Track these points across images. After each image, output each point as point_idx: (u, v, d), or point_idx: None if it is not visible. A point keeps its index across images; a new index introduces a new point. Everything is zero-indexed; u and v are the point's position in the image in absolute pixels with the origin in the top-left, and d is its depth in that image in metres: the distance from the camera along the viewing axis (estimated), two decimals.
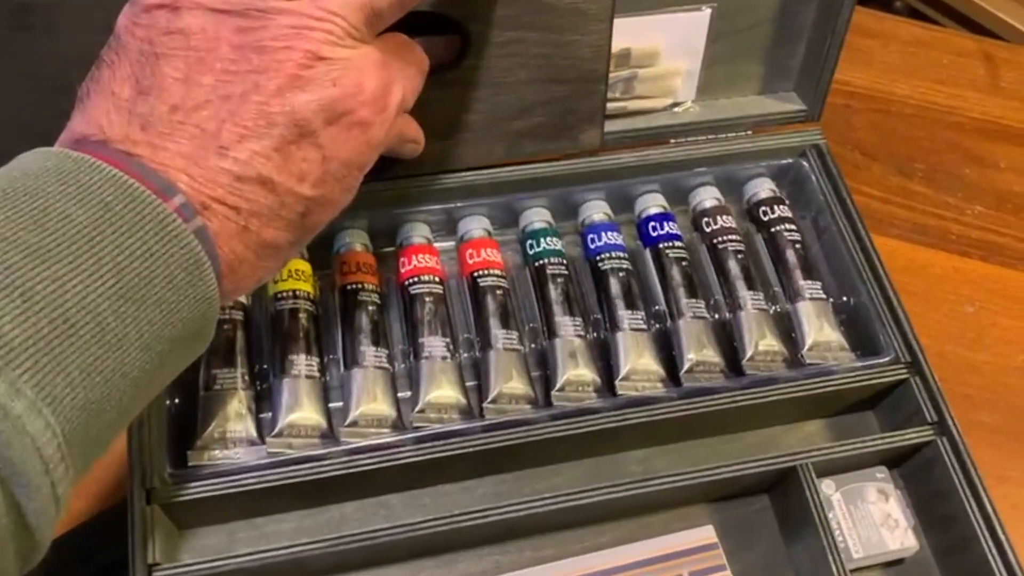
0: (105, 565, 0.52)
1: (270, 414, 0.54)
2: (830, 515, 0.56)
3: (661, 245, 0.62)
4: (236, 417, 0.53)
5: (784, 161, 0.66)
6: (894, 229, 0.98)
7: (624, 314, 0.58)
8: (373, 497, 0.56)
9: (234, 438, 0.53)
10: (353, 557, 0.52)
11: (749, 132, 0.66)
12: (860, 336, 0.61)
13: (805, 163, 0.66)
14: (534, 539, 0.56)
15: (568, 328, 0.58)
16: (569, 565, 0.54)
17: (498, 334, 0.57)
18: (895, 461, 0.59)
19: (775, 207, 0.64)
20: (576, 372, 0.56)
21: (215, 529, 0.54)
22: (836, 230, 0.63)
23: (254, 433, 0.53)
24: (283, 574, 0.52)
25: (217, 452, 0.53)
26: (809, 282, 0.61)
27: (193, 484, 0.51)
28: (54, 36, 0.49)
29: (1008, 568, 0.52)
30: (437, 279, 0.59)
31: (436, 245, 0.62)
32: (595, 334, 0.59)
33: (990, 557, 0.53)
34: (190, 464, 0.52)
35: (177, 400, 0.54)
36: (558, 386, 0.56)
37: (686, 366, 0.57)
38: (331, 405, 0.56)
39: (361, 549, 0.51)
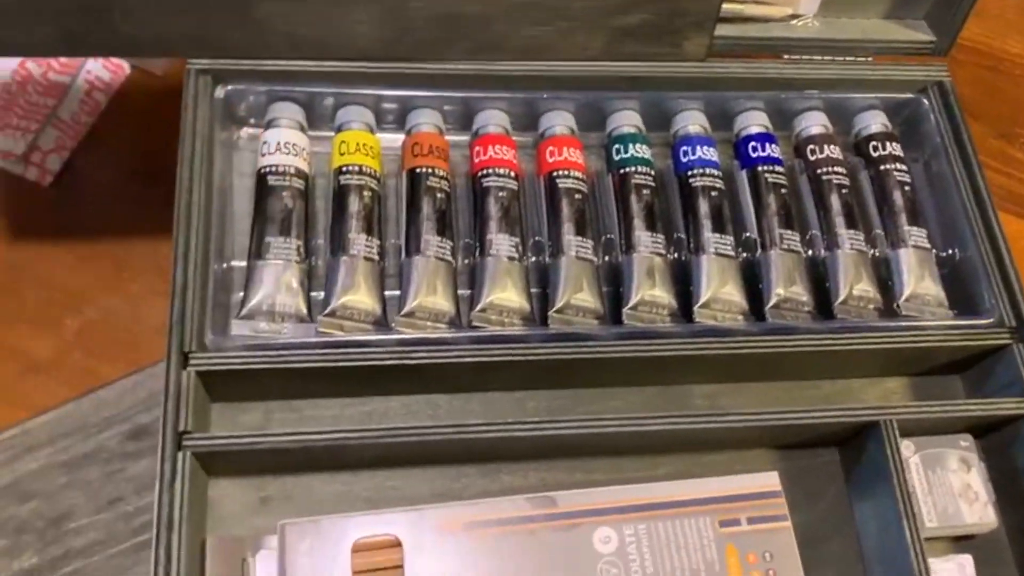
0: (135, 430, 0.49)
1: (322, 293, 0.50)
2: (906, 479, 0.51)
3: (760, 168, 0.56)
4: (287, 290, 0.50)
5: (903, 95, 0.60)
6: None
7: (711, 237, 0.54)
8: (421, 395, 0.52)
9: (283, 312, 0.49)
10: (393, 452, 0.49)
11: (870, 59, 0.60)
12: (961, 294, 0.56)
13: (925, 100, 0.60)
14: (585, 461, 0.52)
15: (648, 244, 0.53)
16: (620, 492, 0.50)
17: (572, 240, 0.53)
18: (980, 431, 0.55)
19: (887, 143, 0.58)
20: (652, 292, 0.52)
21: (251, 406, 0.51)
22: (951, 175, 0.57)
23: (304, 310, 0.50)
24: (318, 460, 0.49)
25: (263, 324, 0.49)
26: (915, 228, 0.56)
27: (234, 354, 0.47)
28: None
29: None
30: (513, 174, 0.54)
31: (514, 138, 0.57)
32: (676, 255, 0.55)
33: None
34: (233, 333, 0.48)
35: (226, 265, 0.51)
36: (631, 304, 0.52)
37: (772, 301, 0.53)
38: (387, 293, 0.52)
39: (402, 445, 0.48)
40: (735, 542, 0.49)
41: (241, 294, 0.50)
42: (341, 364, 0.48)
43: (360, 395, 0.52)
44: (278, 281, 0.50)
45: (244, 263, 0.51)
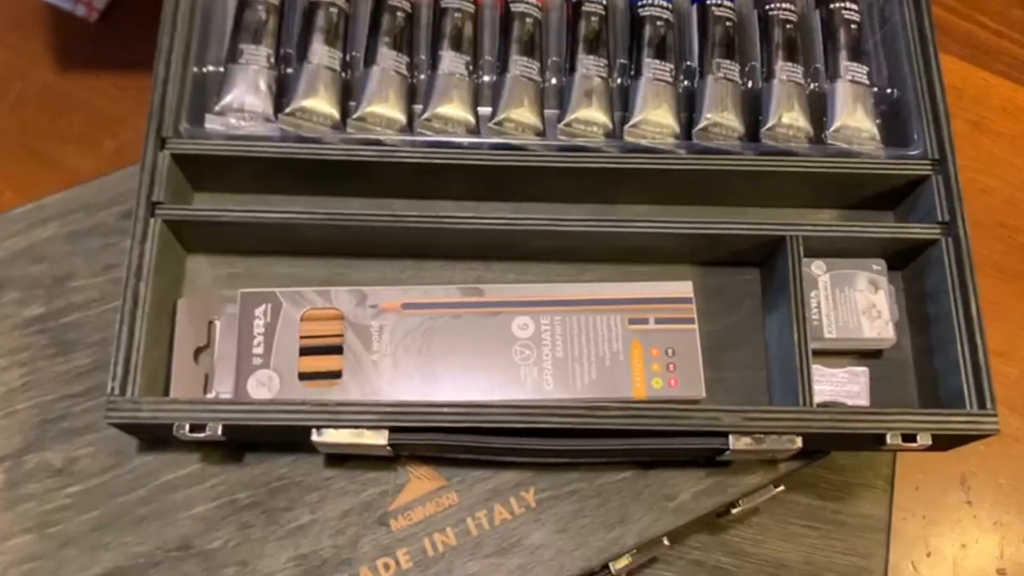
0: (131, 211, 0.57)
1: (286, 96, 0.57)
2: (812, 294, 0.55)
3: (709, 2, 0.59)
4: (255, 92, 0.56)
5: None
6: (999, 65, 0.91)
7: (650, 63, 0.57)
8: (378, 198, 0.58)
9: (251, 111, 0.56)
10: (343, 240, 0.55)
11: None
12: (898, 131, 0.58)
13: None
14: (519, 263, 0.58)
15: (589, 67, 0.57)
16: (541, 288, 0.56)
17: (517, 60, 0.57)
18: (901, 262, 0.58)
19: None
20: (587, 111, 0.56)
21: (228, 197, 0.58)
22: (899, 17, 0.59)
23: (271, 111, 0.56)
24: (278, 243, 0.56)
25: (233, 120, 0.56)
26: (854, 64, 0.58)
27: (205, 141, 0.54)
28: None
29: (976, 372, 0.51)
30: None
31: None
32: (620, 80, 0.58)
33: (961, 360, 0.52)
34: (207, 126, 0.55)
35: (206, 70, 0.57)
36: (566, 120, 0.56)
37: (701, 124, 0.56)
38: (351, 103, 0.58)
39: (349, 230, 0.54)
40: (641, 337, 0.55)
41: (216, 96, 0.56)
42: (294, 156, 0.54)
43: (324, 194, 0.58)
44: (248, 83, 0.56)
45: (222, 68, 0.57)
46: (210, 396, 0.53)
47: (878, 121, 0.59)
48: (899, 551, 0.75)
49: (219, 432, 0.48)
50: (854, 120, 0.57)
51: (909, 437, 0.50)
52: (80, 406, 0.54)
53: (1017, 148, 0.88)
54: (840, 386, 0.55)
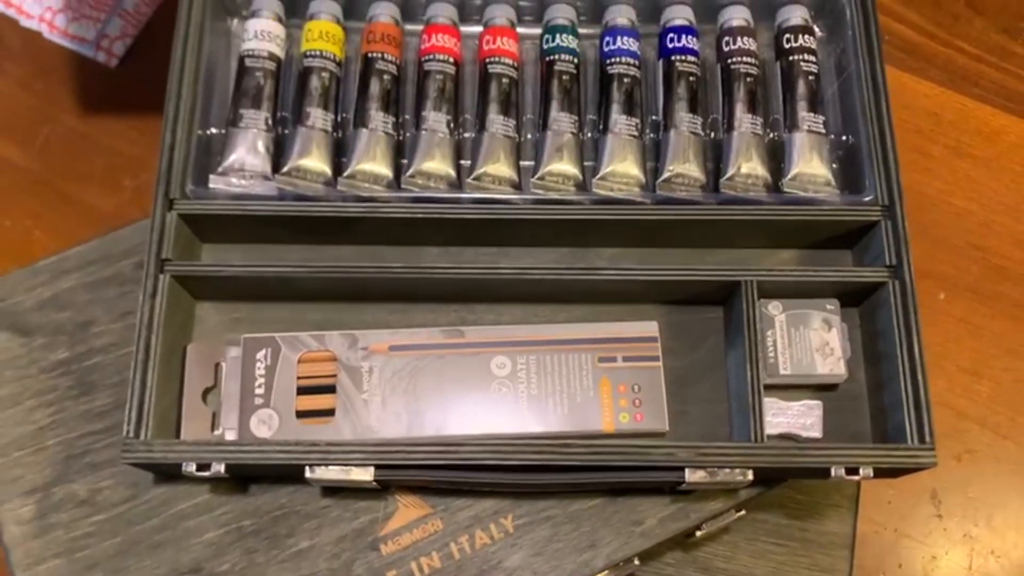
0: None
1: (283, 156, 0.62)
2: (768, 333, 0.60)
3: (674, 58, 0.63)
4: (255, 153, 0.61)
5: None
6: (977, 90, 0.94)
7: (618, 118, 0.62)
8: (368, 245, 0.64)
9: (252, 171, 0.61)
10: (336, 288, 0.61)
11: None
12: (852, 176, 0.62)
13: None
14: (498, 305, 0.63)
15: (562, 123, 0.62)
16: (517, 330, 0.61)
17: (495, 119, 0.62)
18: (858, 298, 0.62)
19: (800, 36, 0.64)
20: (559, 165, 0.61)
21: (233, 247, 0.63)
22: (855, 68, 0.63)
23: (269, 170, 0.61)
24: (277, 292, 0.61)
25: (235, 180, 0.61)
26: (811, 115, 0.62)
27: (209, 201, 0.60)
28: None
29: (917, 409, 0.55)
30: (452, 60, 0.63)
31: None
32: (589, 134, 0.63)
33: (904, 397, 0.56)
34: (211, 186, 0.61)
35: (210, 132, 0.62)
36: (539, 174, 0.61)
37: (664, 175, 0.61)
38: (343, 159, 0.63)
39: (341, 281, 0.59)
40: (609, 375, 0.59)
41: (219, 156, 0.62)
42: (290, 214, 0.59)
43: (319, 243, 0.63)
44: (248, 145, 0.61)
45: (224, 131, 0.62)
46: (217, 433, 0.59)
47: (835, 166, 0.62)
48: (871, 563, 0.79)
49: (222, 470, 0.54)
50: (810, 167, 0.61)
51: (852, 470, 0.54)
52: (102, 442, 0.60)
53: (993, 171, 0.92)
54: (795, 418, 0.59)
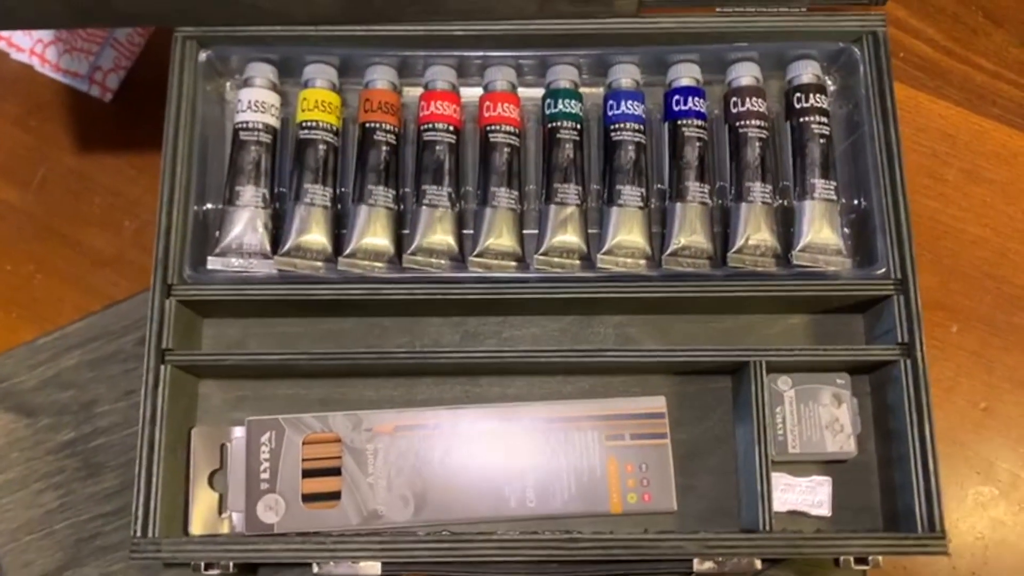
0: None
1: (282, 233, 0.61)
2: (777, 409, 0.59)
3: (680, 121, 0.61)
4: (253, 231, 0.60)
5: (836, 46, 0.63)
6: (995, 109, 0.92)
7: (623, 188, 0.60)
8: (370, 317, 0.63)
9: (250, 250, 0.60)
10: (339, 367, 0.60)
11: (803, 8, 0.62)
12: (866, 241, 0.61)
13: (857, 50, 0.62)
14: (503, 378, 0.62)
15: (567, 195, 0.60)
16: (527, 408, 0.60)
17: (497, 192, 0.60)
18: (868, 368, 0.61)
19: (811, 95, 0.62)
20: (563, 238, 0.60)
21: (233, 322, 0.63)
22: (868, 127, 0.61)
23: (268, 247, 0.60)
24: (281, 371, 0.61)
25: (234, 260, 0.60)
26: (823, 181, 0.60)
27: (209, 287, 0.59)
28: None
29: (928, 497, 0.55)
30: (451, 128, 0.62)
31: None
32: (593, 203, 0.61)
33: (914, 481, 0.55)
34: (209, 268, 0.60)
35: (206, 208, 0.61)
36: (542, 250, 0.60)
37: (670, 248, 0.59)
38: (343, 231, 0.62)
39: (343, 365, 0.59)
40: (616, 453, 0.59)
41: (217, 232, 0.60)
42: (292, 297, 0.59)
43: (322, 315, 0.63)
44: (246, 224, 0.60)
45: (221, 206, 0.61)
46: (224, 515, 0.59)
47: (846, 230, 0.61)
48: None
49: (231, 568, 0.54)
50: (821, 237, 0.59)
51: (862, 560, 0.54)
52: (111, 525, 0.61)
53: (1010, 196, 0.90)
54: (803, 495, 0.59)
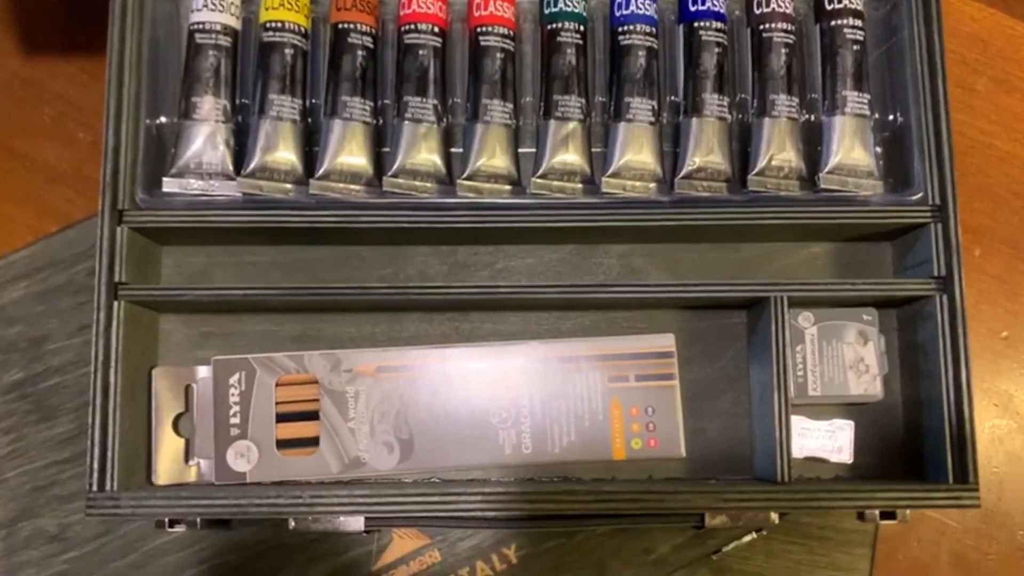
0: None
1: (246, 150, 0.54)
2: (798, 348, 0.54)
3: (697, 23, 0.54)
4: (213, 148, 0.53)
5: None
6: None
7: (631, 101, 0.53)
8: (347, 246, 0.57)
9: (210, 170, 0.53)
10: (314, 302, 0.54)
11: None
12: (899, 161, 0.54)
13: None
14: (496, 313, 0.56)
15: (569, 109, 0.53)
16: (521, 348, 0.55)
17: (489, 104, 0.53)
18: (898, 303, 0.55)
19: None
20: (564, 158, 0.53)
21: (196, 250, 0.57)
22: (907, 32, 0.54)
23: (230, 167, 0.53)
24: (250, 305, 0.55)
25: (192, 181, 0.53)
26: (855, 93, 0.53)
27: (165, 212, 0.52)
28: None
29: (961, 446, 0.50)
30: (437, 29, 0.54)
31: None
32: (598, 118, 0.54)
33: (947, 428, 0.50)
34: (164, 191, 0.53)
35: (159, 121, 0.54)
36: (540, 172, 0.53)
37: (684, 171, 0.53)
38: (313, 148, 0.55)
39: (319, 300, 0.53)
40: (620, 396, 0.54)
41: (173, 150, 0.53)
42: (258, 224, 0.52)
43: (291, 244, 0.56)
44: (205, 141, 0.53)
45: (176, 119, 0.54)
46: (191, 463, 0.54)
47: (878, 150, 0.55)
48: (894, 560, 0.76)
49: (198, 524, 0.49)
50: (851, 157, 0.53)
51: (888, 514, 0.49)
52: (68, 472, 0.56)
53: None
54: (822, 441, 0.54)
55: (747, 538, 0.57)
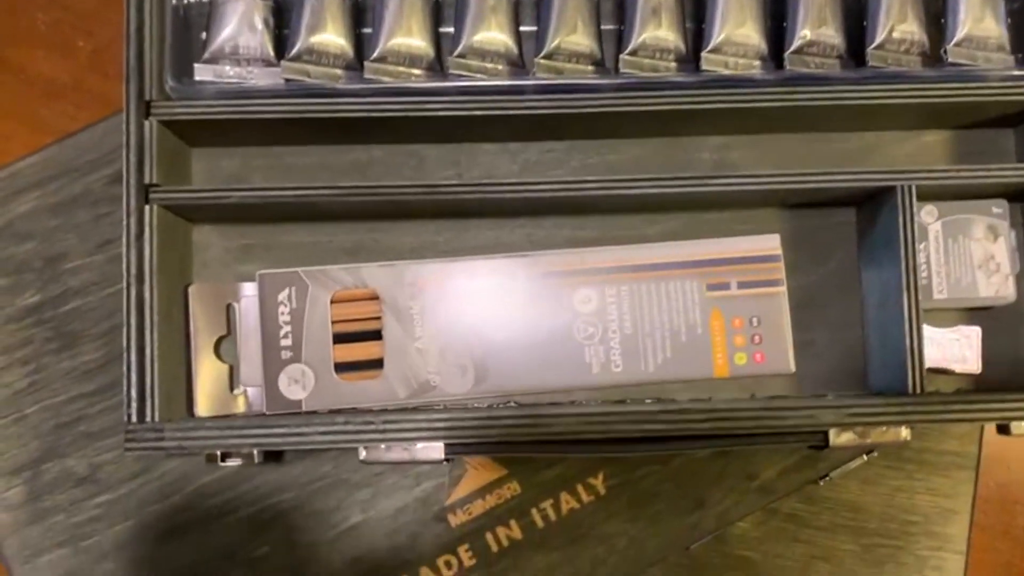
0: (118, 174, 0.49)
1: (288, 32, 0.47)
2: (921, 245, 0.48)
3: None
4: (250, 30, 0.46)
5: None
6: None
7: None
8: (404, 144, 0.50)
9: (248, 54, 0.46)
10: (370, 207, 0.47)
11: None
12: None
13: None
14: (575, 218, 0.50)
15: None
16: (608, 253, 0.48)
17: None
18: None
19: None
20: (656, 33, 0.46)
21: (230, 151, 0.50)
22: None
23: (271, 51, 0.46)
24: (296, 212, 0.48)
25: (227, 67, 0.46)
26: None
27: (198, 102, 0.45)
28: None
29: None
30: None
31: None
32: None
33: None
34: (196, 79, 0.46)
35: (188, 1, 0.47)
36: (631, 48, 0.46)
37: (795, 45, 0.46)
38: (363, 31, 0.48)
39: (377, 203, 0.46)
40: (721, 305, 0.48)
41: (204, 33, 0.46)
42: (307, 116, 0.45)
43: (341, 143, 0.50)
44: (240, 20, 0.46)
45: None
46: (237, 392, 0.48)
47: (1009, 20, 0.48)
48: (997, 488, 0.71)
49: (256, 457, 0.43)
50: (981, 28, 0.46)
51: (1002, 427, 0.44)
52: (96, 407, 0.49)
53: None
54: (948, 350, 0.48)
55: (855, 462, 0.51)
